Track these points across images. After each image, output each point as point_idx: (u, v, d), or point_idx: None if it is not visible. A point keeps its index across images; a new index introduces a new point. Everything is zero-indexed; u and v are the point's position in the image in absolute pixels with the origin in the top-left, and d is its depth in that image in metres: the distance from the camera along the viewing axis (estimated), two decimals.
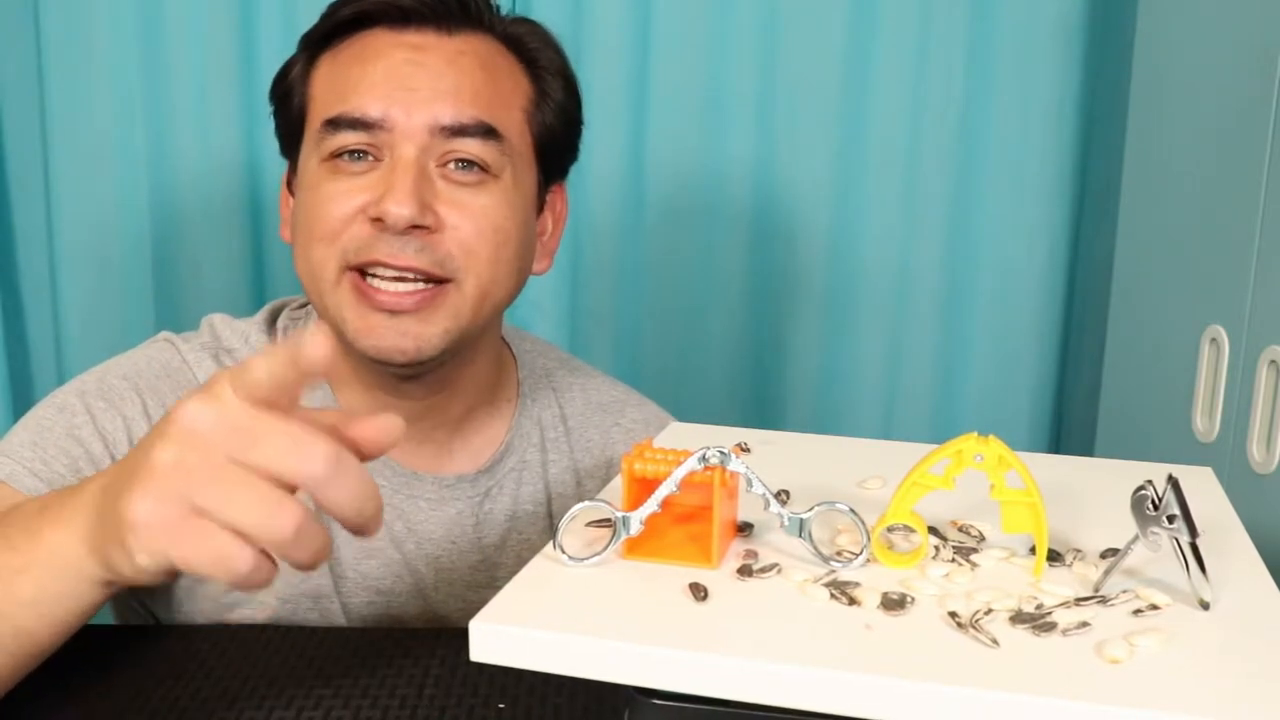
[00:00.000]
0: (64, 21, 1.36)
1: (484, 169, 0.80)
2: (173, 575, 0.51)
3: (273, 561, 0.50)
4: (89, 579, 0.56)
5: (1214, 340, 1.09)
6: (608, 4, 1.43)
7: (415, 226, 0.77)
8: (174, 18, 1.37)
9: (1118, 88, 1.43)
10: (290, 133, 0.85)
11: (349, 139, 0.78)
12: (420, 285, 0.78)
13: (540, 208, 0.88)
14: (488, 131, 0.80)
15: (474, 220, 0.79)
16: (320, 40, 0.83)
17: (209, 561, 0.48)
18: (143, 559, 0.50)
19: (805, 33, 1.46)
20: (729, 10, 1.46)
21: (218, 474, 0.48)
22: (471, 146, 0.79)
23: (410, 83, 0.78)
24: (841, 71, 1.48)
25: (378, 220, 0.77)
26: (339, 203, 0.78)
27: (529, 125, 0.84)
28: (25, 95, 1.40)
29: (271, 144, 1.39)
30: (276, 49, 1.39)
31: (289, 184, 0.87)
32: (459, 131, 0.79)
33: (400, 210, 0.75)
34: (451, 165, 0.79)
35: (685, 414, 0.93)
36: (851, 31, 1.47)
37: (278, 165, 1.42)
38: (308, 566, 0.51)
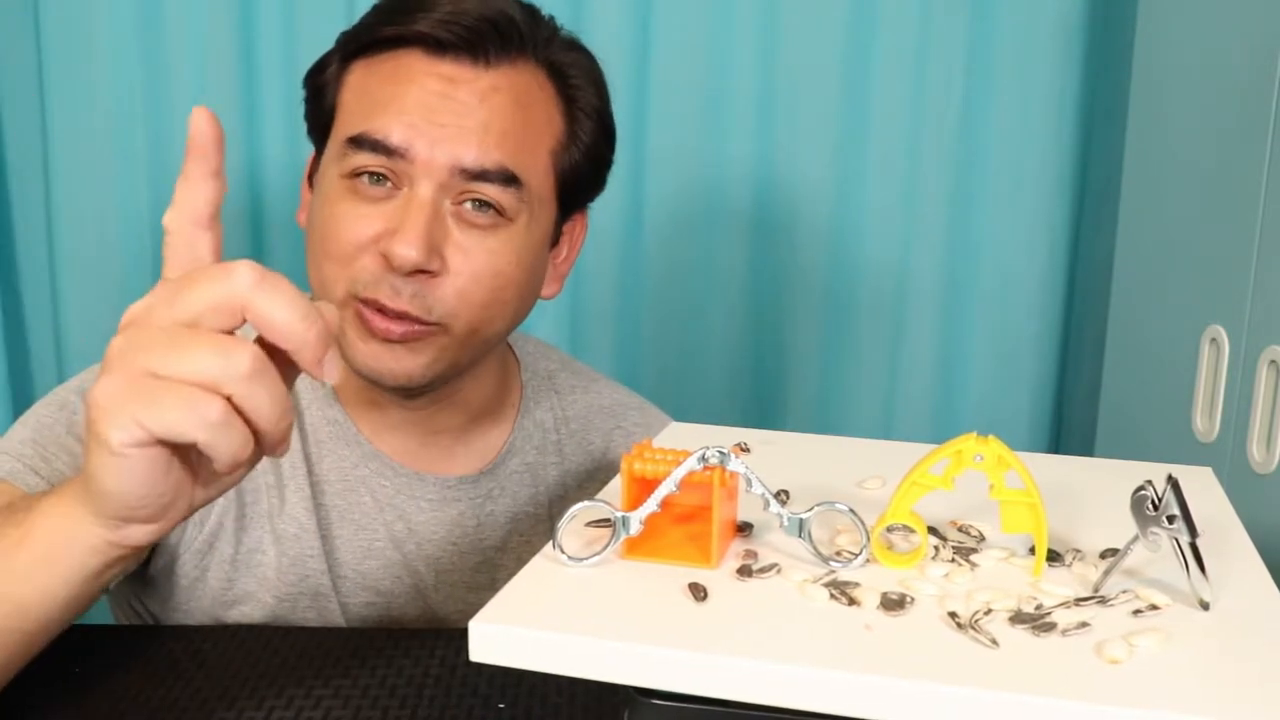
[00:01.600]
0: (64, 21, 1.36)
1: (499, 212, 0.79)
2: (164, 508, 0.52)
3: (247, 428, 0.49)
4: (86, 538, 0.55)
5: (1214, 340, 1.09)
6: (607, 4, 1.43)
7: (419, 270, 0.76)
8: (174, 17, 1.37)
9: (1118, 88, 1.43)
10: (318, 125, 0.84)
11: (369, 161, 0.77)
12: (410, 324, 0.78)
13: (556, 239, 0.87)
14: (508, 179, 0.78)
15: (475, 267, 0.78)
16: (358, 48, 0.82)
17: (178, 413, 0.47)
18: (117, 436, 0.48)
19: (805, 33, 1.46)
20: (729, 10, 1.46)
21: (166, 338, 0.48)
22: (490, 190, 0.78)
23: (438, 116, 0.77)
24: (841, 72, 1.48)
25: (385, 256, 0.76)
26: (354, 227, 0.77)
27: (554, 165, 0.83)
28: (25, 95, 1.40)
29: (271, 144, 1.40)
30: (277, 49, 1.39)
31: (310, 174, 0.87)
32: (479, 176, 0.77)
33: (407, 253, 0.74)
34: (468, 204, 0.78)
35: (685, 414, 0.93)
36: (851, 31, 1.47)
37: (277, 166, 1.43)
38: (274, 428, 0.50)
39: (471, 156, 0.77)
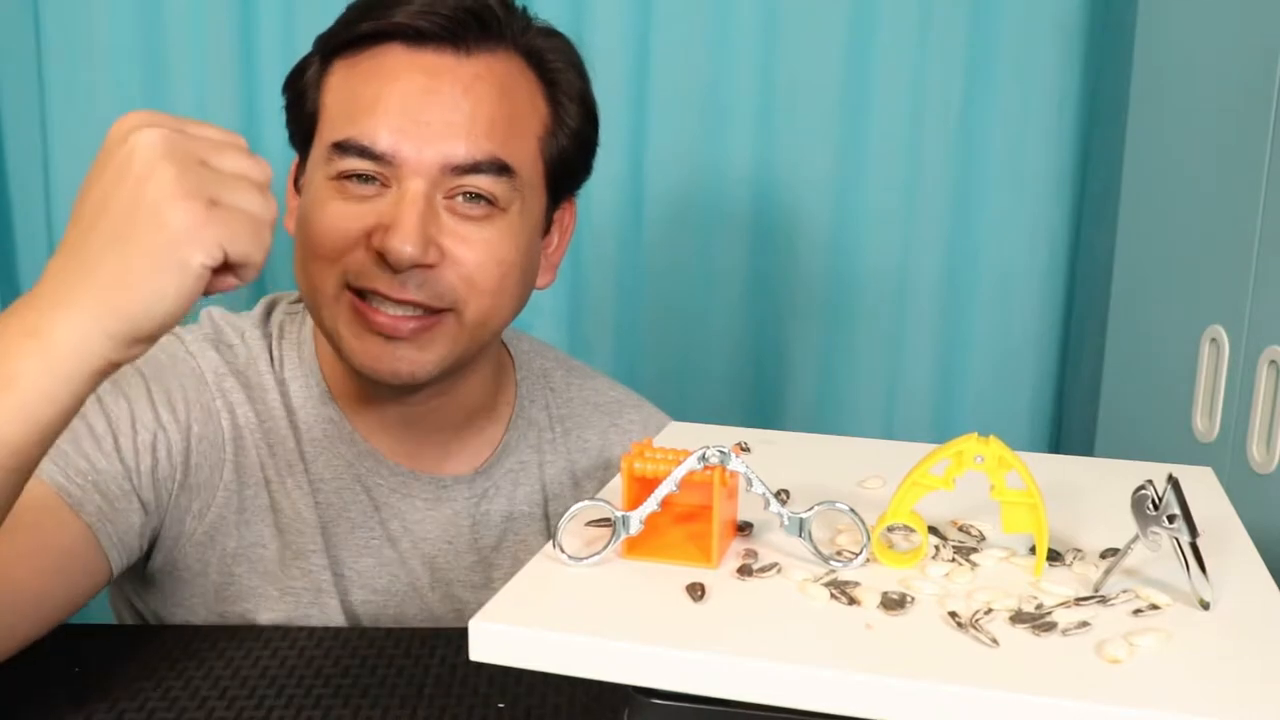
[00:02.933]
0: (64, 21, 1.36)
1: (492, 202, 0.79)
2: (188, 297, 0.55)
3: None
4: (90, 365, 0.55)
5: (1214, 340, 1.09)
6: (607, 4, 1.43)
7: (417, 265, 0.76)
8: (174, 17, 1.37)
9: (1118, 88, 1.43)
10: (300, 131, 0.84)
11: (357, 165, 0.77)
12: (419, 313, 0.78)
13: (547, 227, 0.88)
14: (500, 168, 0.78)
15: (477, 254, 0.78)
16: (337, 47, 0.81)
17: (252, 242, 0.56)
18: (199, 259, 0.54)
19: (805, 33, 1.46)
20: (729, 10, 1.46)
21: (226, 178, 0.56)
22: (482, 182, 0.78)
23: (423, 114, 0.76)
24: (841, 71, 1.48)
25: (379, 253, 0.76)
26: (342, 225, 0.77)
27: (541, 152, 0.83)
28: (25, 95, 1.40)
29: (271, 144, 1.40)
30: (276, 49, 1.39)
31: (296, 178, 0.87)
32: (471, 169, 0.77)
33: (404, 248, 0.74)
34: (460, 198, 0.78)
35: (685, 414, 0.93)
36: (851, 32, 1.47)
37: (277, 166, 1.42)
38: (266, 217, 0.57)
39: (461, 152, 0.77)
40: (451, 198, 0.78)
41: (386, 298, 0.77)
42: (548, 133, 0.83)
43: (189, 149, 0.55)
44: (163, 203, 0.53)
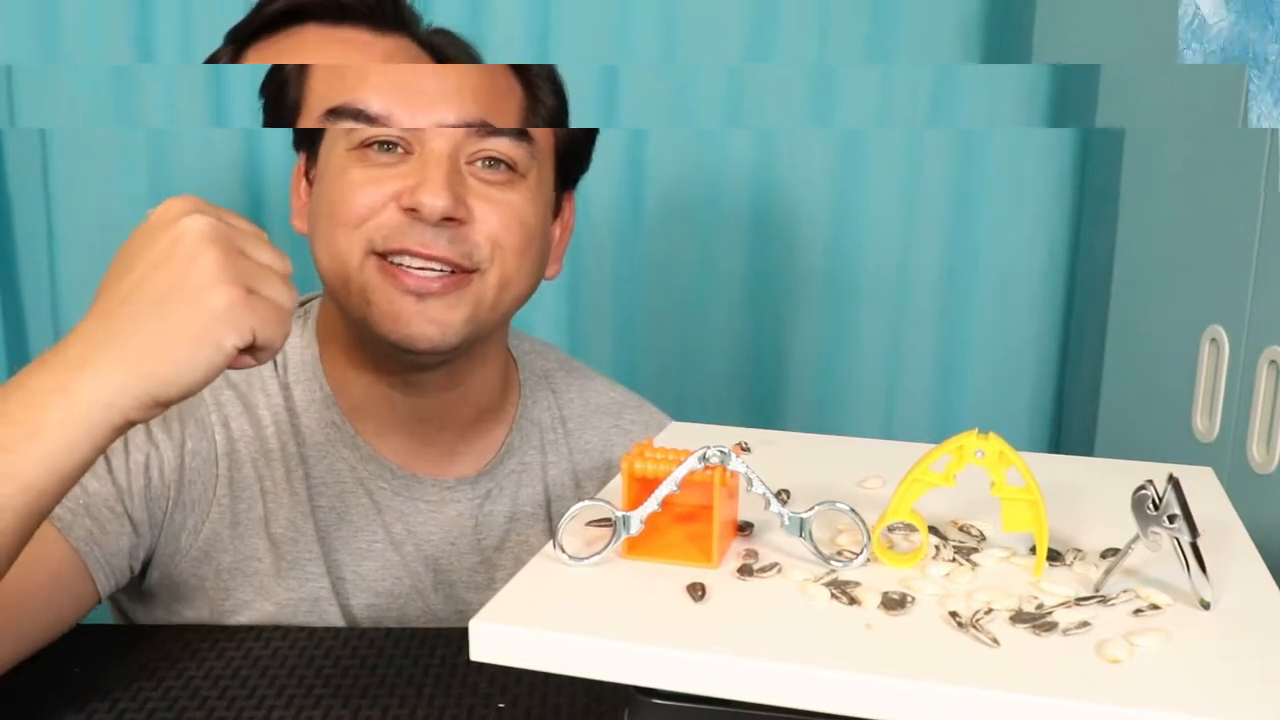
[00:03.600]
0: None
1: (512, 168, 0.81)
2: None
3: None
4: (114, 420, 0.58)
5: (1214, 340, 1.09)
6: (608, 3, 1.43)
7: (448, 219, 0.77)
8: (174, 17, 1.37)
9: None
10: (278, 110, 0.85)
11: (379, 131, 0.79)
12: (447, 271, 0.79)
13: (555, 213, 0.89)
14: (520, 132, 0.81)
15: (502, 214, 0.80)
16: (249, 35, 0.84)
17: (278, 328, 0.60)
18: (231, 341, 0.58)
19: (806, 32, 1.46)
20: (729, 11, 1.45)
21: (262, 269, 0.60)
22: (503, 145, 0.80)
23: (418, 84, 0.79)
24: (841, 71, 1.47)
25: (410, 210, 0.77)
26: (367, 190, 0.78)
27: (554, 131, 0.85)
28: None
29: (272, 143, 1.40)
30: None
31: (306, 175, 0.87)
32: (493, 131, 0.79)
33: (435, 202, 0.76)
34: (479, 164, 0.80)
35: (685, 413, 0.93)
36: (852, 31, 1.47)
37: (278, 164, 1.43)
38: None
39: (479, 115, 0.79)
40: (472, 163, 0.80)
41: (416, 255, 0.78)
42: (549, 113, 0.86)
43: (231, 238, 0.59)
44: (207, 285, 0.57)
